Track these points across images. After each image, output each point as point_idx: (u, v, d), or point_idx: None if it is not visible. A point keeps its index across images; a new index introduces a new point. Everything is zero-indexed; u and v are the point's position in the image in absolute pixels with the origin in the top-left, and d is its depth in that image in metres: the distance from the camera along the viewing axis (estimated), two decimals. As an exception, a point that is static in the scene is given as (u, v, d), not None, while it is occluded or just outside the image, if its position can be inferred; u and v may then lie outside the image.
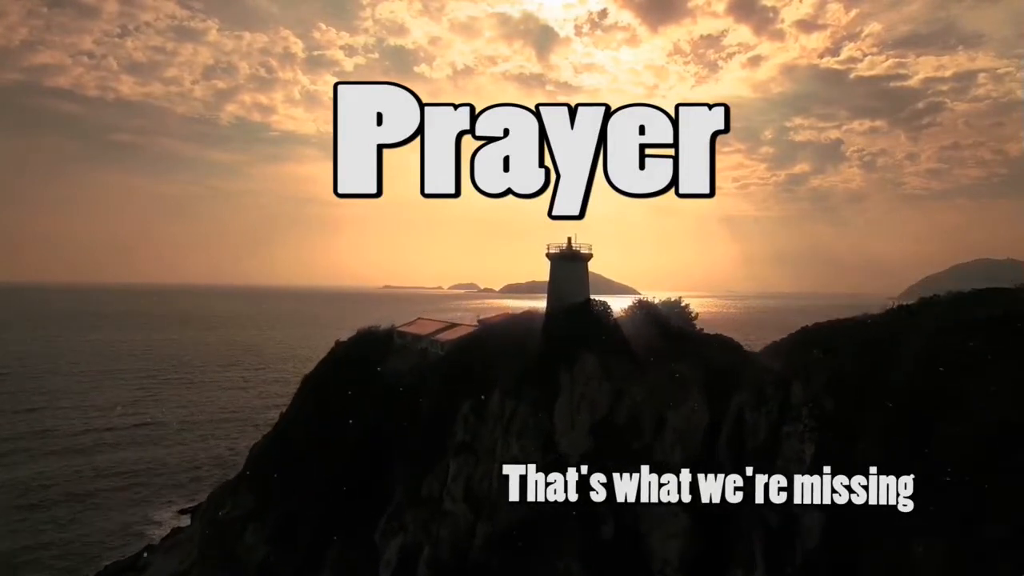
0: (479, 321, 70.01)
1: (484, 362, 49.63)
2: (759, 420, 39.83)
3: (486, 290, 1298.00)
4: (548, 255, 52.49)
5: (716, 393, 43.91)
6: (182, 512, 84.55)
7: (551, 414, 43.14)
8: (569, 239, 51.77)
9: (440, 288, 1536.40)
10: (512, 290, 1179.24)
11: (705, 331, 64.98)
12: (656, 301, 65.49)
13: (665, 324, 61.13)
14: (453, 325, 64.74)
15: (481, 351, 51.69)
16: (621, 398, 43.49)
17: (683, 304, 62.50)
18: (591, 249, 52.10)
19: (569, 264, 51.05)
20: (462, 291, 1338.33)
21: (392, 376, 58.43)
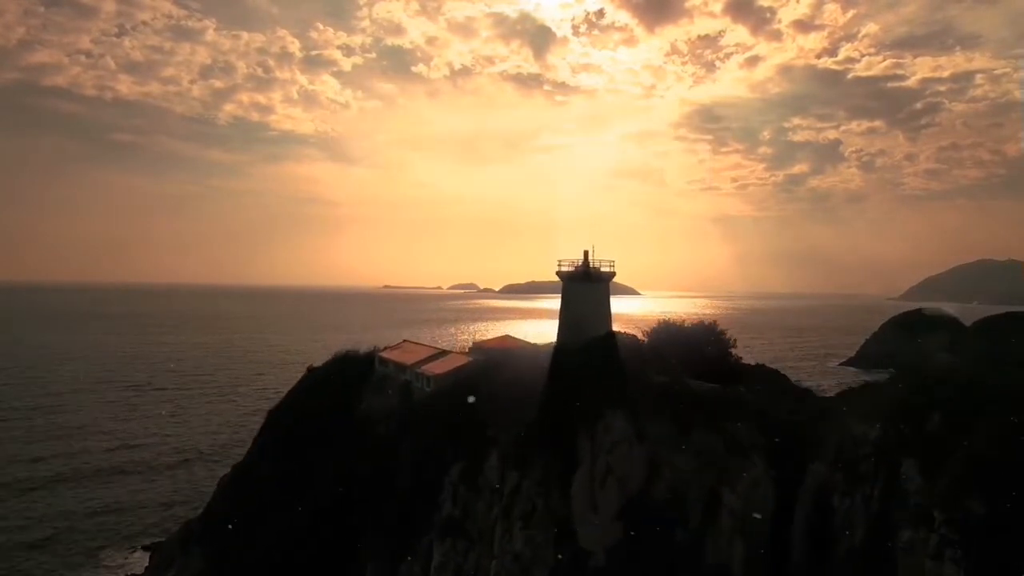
0: (474, 345, 58.75)
1: (479, 411, 38.26)
2: (854, 510, 28.44)
3: (486, 290, 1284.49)
4: (559, 273, 40.96)
5: (785, 461, 32.63)
6: (145, 548, 73.62)
7: (566, 492, 31.78)
8: (586, 253, 40.26)
9: (440, 288, 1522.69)
10: (512, 290, 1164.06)
11: (743, 359, 53.81)
12: (684, 321, 54.15)
13: (699, 352, 49.97)
14: (443, 353, 53.20)
15: (475, 395, 40.27)
16: (659, 469, 32.11)
17: (719, 329, 51.17)
18: (613, 266, 40.46)
19: (586, 286, 39.50)
20: (462, 291, 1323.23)
21: (369, 420, 47.20)
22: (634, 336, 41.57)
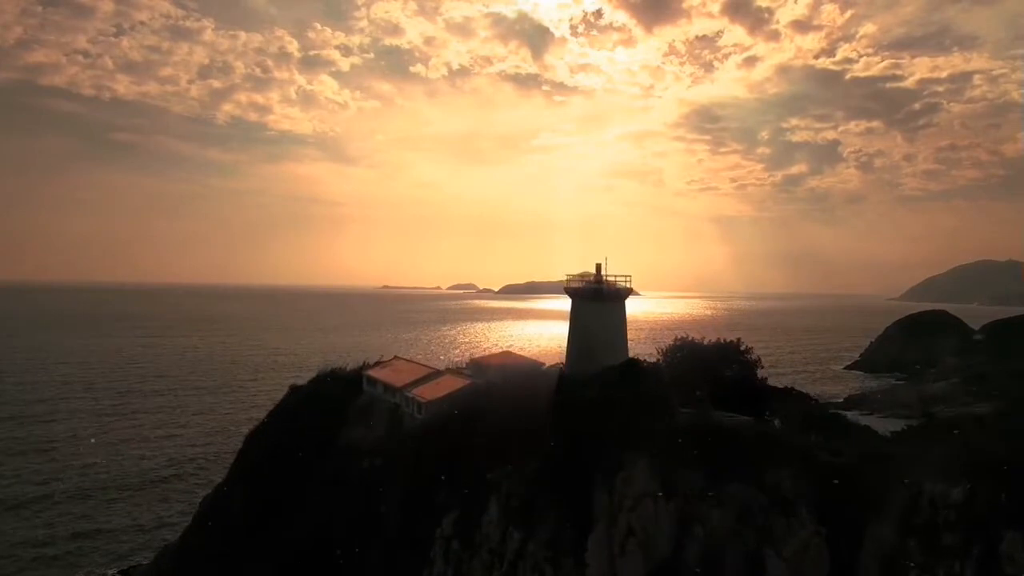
0: (471, 363, 53.39)
1: (476, 451, 32.86)
2: (935, 588, 23.07)
3: (485, 290, 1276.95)
4: (568, 290, 35.51)
5: (837, 518, 27.21)
6: (122, 573, 68.17)
7: (580, 557, 26.41)
8: (598, 266, 34.83)
9: (439, 288, 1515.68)
10: (511, 291, 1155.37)
11: (768, 380, 48.44)
12: (703, 339, 48.64)
13: (721, 374, 44.60)
14: (435, 373, 47.64)
15: (471, 428, 34.89)
16: (690, 529, 26.72)
17: (743, 348, 45.72)
18: (629, 281, 34.92)
19: (599, 306, 33.97)
20: (461, 291, 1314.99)
21: (353, 451, 41.76)
22: (652, 362, 35.96)
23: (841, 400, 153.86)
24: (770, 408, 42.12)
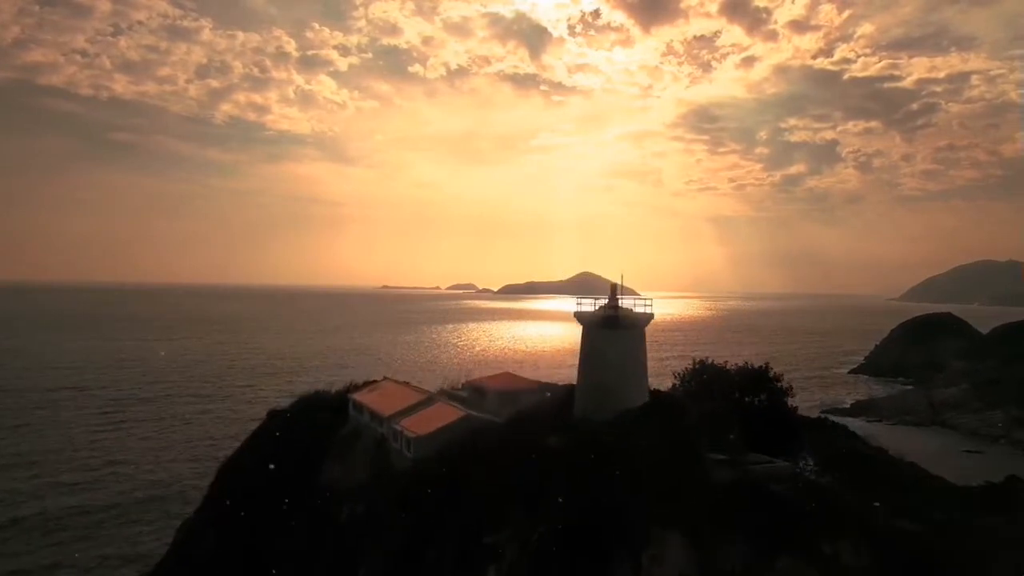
0: (467, 385, 48.37)
1: (471, 505, 27.78)
2: None
3: (484, 290, 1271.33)
4: (578, 316, 30.42)
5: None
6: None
7: (599, 655, 21.48)
8: (614, 287, 29.71)
9: (438, 288, 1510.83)
10: (510, 291, 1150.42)
11: (798, 408, 43.37)
12: (726, 364, 43.46)
13: (746, 402, 39.57)
14: (427, 400, 42.43)
15: (466, 474, 29.82)
16: (733, 617, 21.68)
17: (771, 372, 40.57)
18: (650, 306, 29.77)
19: (614, 335, 28.83)
20: (460, 291, 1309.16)
21: (333, 493, 36.73)
22: (676, 395, 30.90)
23: (848, 406, 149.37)
24: (804, 443, 37.24)
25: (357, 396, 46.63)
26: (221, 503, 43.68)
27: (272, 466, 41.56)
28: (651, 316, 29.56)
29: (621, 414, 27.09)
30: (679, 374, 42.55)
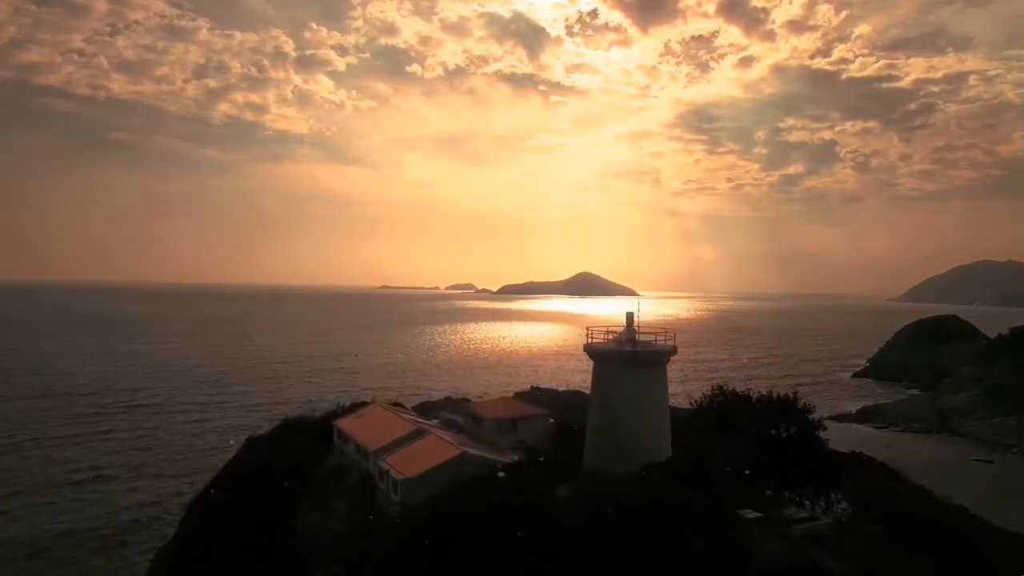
0: (466, 413, 44.09)
1: (464, 572, 23.45)
2: None
3: (483, 290, 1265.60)
4: (589, 349, 25.92)
5: None
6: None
7: None
8: (630, 316, 25.20)
9: (437, 288, 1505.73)
10: (509, 291, 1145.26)
11: (829, 440, 38.98)
12: (749, 392, 38.99)
13: (772, 435, 35.30)
14: (419, 433, 38.02)
15: (456, 526, 25.51)
16: None
17: (800, 403, 36.17)
18: (672, 339, 25.25)
19: (632, 375, 24.28)
20: (459, 292, 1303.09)
21: (311, 547, 32.35)
22: (703, 451, 26.37)
23: (854, 412, 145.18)
24: (837, 482, 33.04)
25: (342, 424, 42.27)
26: (193, 542, 39.41)
27: (247, 500, 37.38)
28: (674, 350, 25.01)
29: (642, 473, 22.63)
30: (695, 401, 38.27)
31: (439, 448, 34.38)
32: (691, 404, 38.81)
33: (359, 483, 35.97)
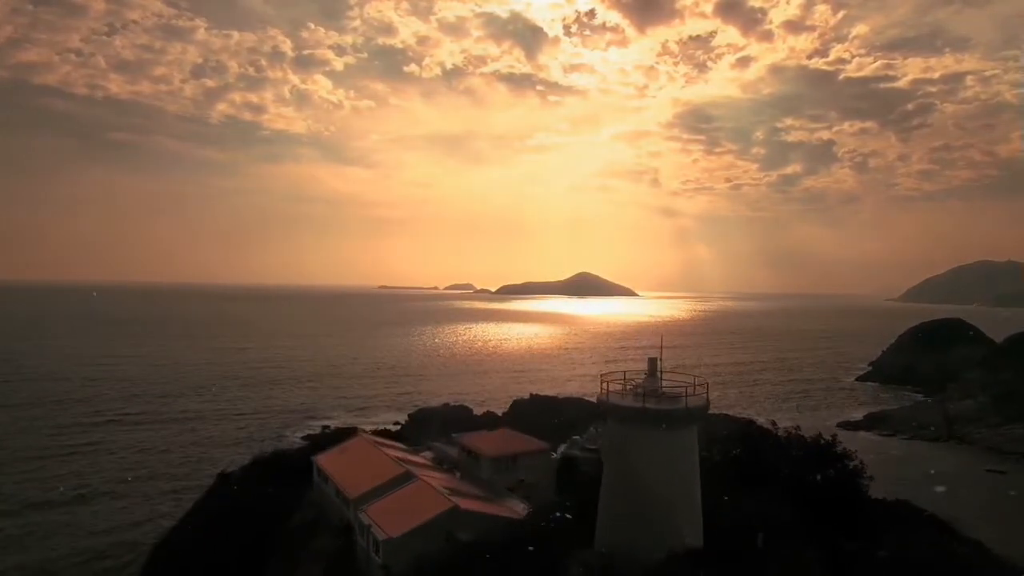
0: (460, 448, 39.86)
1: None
2: None
3: (482, 290, 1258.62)
4: (604, 405, 21.10)
5: None
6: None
7: None
8: (652, 361, 20.60)
9: (436, 288, 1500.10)
10: (508, 291, 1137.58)
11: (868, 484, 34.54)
12: (780, 431, 34.50)
13: (807, 480, 30.94)
14: (405, 477, 33.38)
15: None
16: None
17: (839, 447, 31.72)
18: (705, 390, 20.46)
19: (659, 437, 19.47)
20: (458, 292, 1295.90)
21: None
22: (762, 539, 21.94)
23: (861, 419, 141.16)
24: (878, 535, 28.86)
25: (322, 460, 37.81)
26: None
27: (212, 549, 33.09)
28: (706, 405, 20.28)
29: (669, 561, 18.20)
30: (717, 439, 33.93)
31: (427, 499, 29.95)
32: (713, 443, 34.45)
33: (338, 533, 31.66)
